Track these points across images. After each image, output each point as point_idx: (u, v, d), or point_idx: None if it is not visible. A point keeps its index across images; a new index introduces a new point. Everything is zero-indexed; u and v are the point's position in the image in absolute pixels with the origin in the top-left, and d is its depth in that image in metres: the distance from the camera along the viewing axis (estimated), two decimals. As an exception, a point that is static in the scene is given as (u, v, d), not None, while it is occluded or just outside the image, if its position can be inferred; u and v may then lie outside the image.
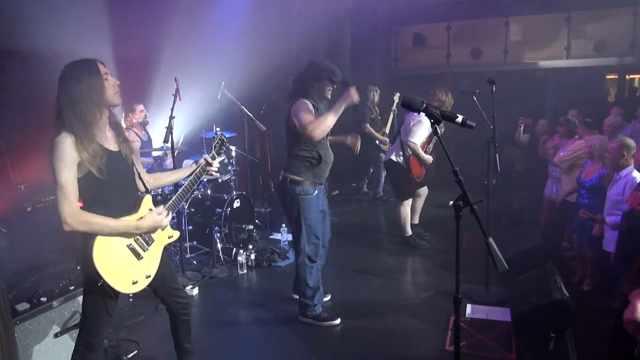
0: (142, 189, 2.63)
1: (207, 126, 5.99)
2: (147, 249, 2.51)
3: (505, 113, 8.26)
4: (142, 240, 2.49)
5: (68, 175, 2.17)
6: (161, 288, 2.73)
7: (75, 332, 2.93)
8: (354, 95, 3.33)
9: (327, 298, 4.20)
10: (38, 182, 6.26)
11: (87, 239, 2.28)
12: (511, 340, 3.45)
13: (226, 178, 5.66)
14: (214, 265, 4.97)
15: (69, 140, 2.17)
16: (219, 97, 5.72)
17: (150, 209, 2.55)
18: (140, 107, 5.66)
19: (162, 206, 2.55)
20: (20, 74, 5.94)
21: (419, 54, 9.12)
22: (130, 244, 2.43)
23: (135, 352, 3.45)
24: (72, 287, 3.39)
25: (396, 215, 5.50)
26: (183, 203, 5.18)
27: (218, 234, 5.10)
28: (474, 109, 4.22)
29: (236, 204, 5.30)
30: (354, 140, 4.12)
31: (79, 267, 2.35)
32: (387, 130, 7.42)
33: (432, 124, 1.92)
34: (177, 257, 4.86)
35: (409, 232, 5.47)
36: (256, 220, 5.73)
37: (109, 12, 5.30)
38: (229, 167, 5.67)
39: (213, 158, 2.86)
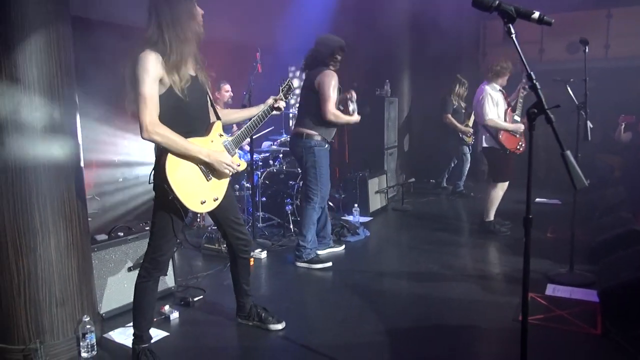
0: (214, 117, 2.71)
1: (287, 104, 6.09)
2: (215, 173, 2.57)
3: (602, 113, 7.68)
4: (211, 168, 2.54)
5: (152, 87, 2.27)
6: (224, 219, 2.78)
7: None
8: (356, 120, 4.27)
9: (341, 248, 4.69)
10: (129, 158, 6.76)
11: (161, 153, 2.37)
12: (596, 318, 3.10)
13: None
14: (284, 234, 5.02)
15: (154, 56, 2.27)
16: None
17: (220, 135, 2.63)
18: (227, 86, 5.91)
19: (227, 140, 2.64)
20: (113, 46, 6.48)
21: (509, 49, 8.68)
22: (201, 164, 2.49)
23: (201, 297, 3.54)
24: (147, 228, 3.57)
25: (484, 197, 5.23)
26: (258, 174, 5.33)
27: (290, 206, 5.15)
28: (568, 99, 3.91)
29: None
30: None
31: (150, 182, 2.42)
32: (471, 123, 7.16)
33: (506, 24, 1.79)
34: (249, 225, 4.96)
35: (491, 217, 5.15)
36: (330, 203, 5.72)
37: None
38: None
39: (280, 98, 2.90)
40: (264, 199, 5.36)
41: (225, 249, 4.45)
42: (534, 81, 1.78)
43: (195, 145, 2.42)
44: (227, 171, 2.55)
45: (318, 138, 4.13)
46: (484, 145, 5.05)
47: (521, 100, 5.00)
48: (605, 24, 8.12)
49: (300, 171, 5.32)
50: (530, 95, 1.97)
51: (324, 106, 4.02)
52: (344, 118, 4.16)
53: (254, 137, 5.01)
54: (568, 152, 1.78)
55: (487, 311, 3.28)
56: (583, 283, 3.65)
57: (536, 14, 1.76)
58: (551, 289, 3.60)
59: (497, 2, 1.80)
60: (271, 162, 5.64)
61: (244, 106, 4.49)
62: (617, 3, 8.02)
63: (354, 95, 4.29)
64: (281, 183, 5.34)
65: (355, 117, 4.26)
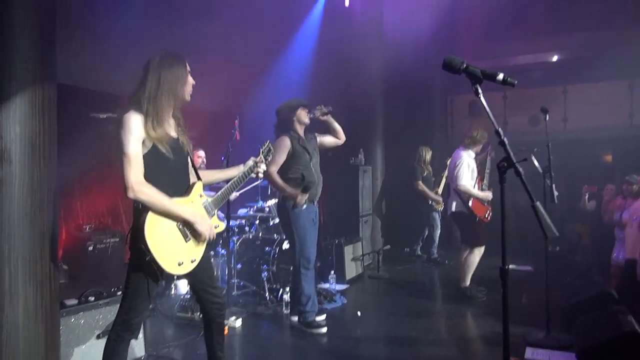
0: (194, 177, 2.74)
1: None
2: (194, 233, 2.55)
3: (567, 185, 8.03)
4: (191, 227, 2.53)
5: (135, 147, 2.31)
6: (199, 282, 2.71)
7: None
8: (300, 201, 4.11)
9: (322, 317, 4.42)
10: (101, 225, 6.65)
11: (139, 213, 2.36)
12: (577, 380, 3.09)
13: (277, 221, 5.73)
14: (259, 302, 4.91)
15: (138, 117, 2.33)
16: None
17: (200, 195, 2.64)
18: (200, 152, 5.97)
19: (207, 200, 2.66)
20: (99, 118, 6.55)
21: (475, 121, 9.14)
22: (180, 224, 2.48)
23: (173, 366, 3.38)
24: (119, 293, 3.46)
25: (460, 263, 5.25)
26: (234, 241, 5.29)
27: (265, 273, 5.07)
28: (532, 169, 4.19)
29: (285, 245, 5.30)
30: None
31: (127, 244, 2.40)
32: (440, 190, 7.37)
33: (473, 85, 1.93)
34: (224, 292, 4.84)
35: (468, 282, 5.17)
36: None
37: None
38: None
39: (259, 160, 2.96)
40: (239, 265, 5.27)
41: (199, 316, 4.34)
42: (502, 137, 1.90)
43: (180, 205, 2.43)
44: (207, 234, 2.54)
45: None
46: (453, 209, 5.18)
47: (488, 170, 5.21)
48: (562, 99, 8.71)
49: (277, 237, 5.34)
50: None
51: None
52: (279, 183, 4.15)
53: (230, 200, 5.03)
54: (538, 204, 1.87)
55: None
56: (561, 346, 3.65)
57: (500, 76, 1.91)
58: (530, 353, 3.59)
59: (464, 65, 1.95)
60: (247, 228, 5.62)
61: None
62: (572, 80, 8.66)
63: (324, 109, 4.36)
64: (257, 249, 5.29)
65: (289, 190, 4.15)
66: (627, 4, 8.24)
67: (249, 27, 6.63)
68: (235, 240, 5.35)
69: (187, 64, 2.53)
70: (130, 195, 2.27)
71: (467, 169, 5.05)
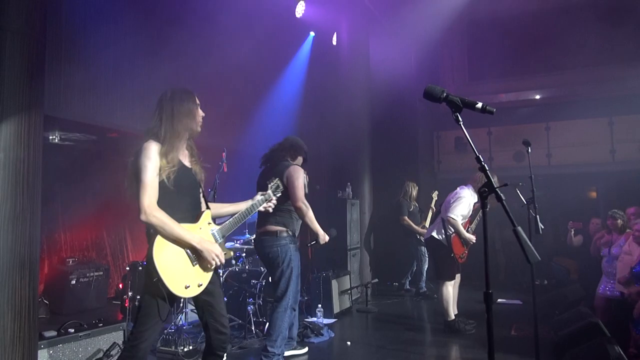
0: (204, 207, 2.76)
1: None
2: (201, 259, 2.56)
3: (553, 220, 8.12)
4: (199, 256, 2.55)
5: (152, 174, 2.43)
6: (207, 307, 2.67)
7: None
8: (324, 239, 4.06)
9: (304, 350, 4.46)
10: (85, 258, 6.54)
11: (151, 237, 2.43)
12: (567, 412, 3.04)
13: (265, 253, 5.70)
14: (244, 336, 4.81)
15: (157, 147, 2.48)
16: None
17: (209, 223, 2.68)
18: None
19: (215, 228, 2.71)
20: (86, 148, 6.54)
21: (461, 157, 9.30)
22: (188, 249, 2.51)
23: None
24: (100, 325, 3.39)
25: (438, 298, 5.23)
26: (220, 274, 5.23)
27: (251, 306, 5.00)
28: (517, 199, 4.26)
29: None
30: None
31: (140, 267, 2.42)
32: (427, 224, 7.40)
33: (453, 113, 1.98)
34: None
35: (452, 315, 5.13)
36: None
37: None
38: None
39: (268, 197, 3.00)
40: (225, 299, 5.18)
41: (183, 351, 4.25)
42: (482, 163, 1.94)
43: (188, 231, 2.48)
44: (213, 262, 2.55)
45: (290, 234, 4.03)
46: (433, 235, 5.19)
47: (479, 219, 5.26)
48: (545, 135, 8.91)
49: (264, 270, 5.27)
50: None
51: (294, 194, 3.89)
52: (310, 220, 3.97)
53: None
54: (519, 229, 1.89)
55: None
56: (550, 378, 3.61)
57: (479, 104, 1.96)
58: (519, 385, 3.54)
59: (445, 94, 2.01)
60: (233, 261, 5.56)
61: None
62: (554, 117, 8.90)
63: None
64: (243, 282, 5.22)
65: (324, 234, 4.07)
66: (606, 45, 8.58)
67: (238, 64, 6.76)
68: (221, 273, 5.28)
69: (196, 98, 2.71)
70: (143, 218, 2.38)
71: (466, 206, 5.05)
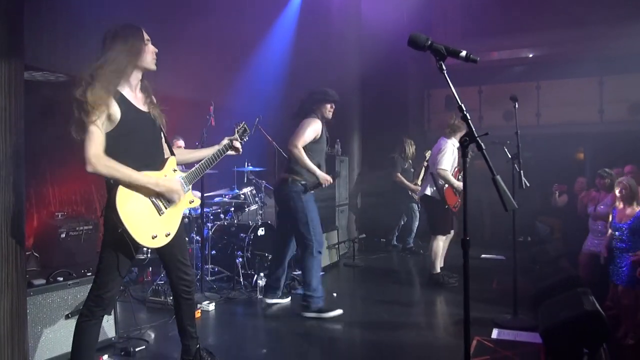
0: (168, 153, 2.74)
1: (239, 161, 6.16)
2: (168, 207, 2.56)
3: (540, 180, 8.20)
4: (164, 199, 2.54)
5: (95, 121, 2.27)
6: (170, 256, 2.72)
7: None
8: (325, 182, 4.07)
9: (287, 300, 4.60)
10: (74, 213, 6.55)
11: (111, 187, 2.36)
12: (540, 357, 3.18)
13: (254, 208, 5.75)
14: (233, 287, 4.91)
15: (100, 90, 2.28)
16: (252, 132, 5.94)
17: (174, 170, 2.65)
18: (180, 142, 5.92)
19: (181, 175, 2.66)
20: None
21: (450, 114, 9.25)
22: (153, 197, 2.48)
23: (144, 347, 3.38)
24: (89, 274, 3.43)
25: (428, 250, 5.36)
26: (209, 227, 5.28)
27: (240, 259, 5.08)
28: (504, 158, 4.27)
29: (261, 231, 5.34)
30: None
31: (101, 215, 2.40)
32: (420, 181, 7.45)
33: (438, 61, 1.97)
34: (198, 277, 4.83)
35: (438, 269, 5.25)
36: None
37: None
38: (256, 198, 5.77)
39: (235, 139, 2.98)
40: (213, 252, 5.27)
41: (172, 300, 4.34)
42: (465, 112, 1.95)
43: (144, 175, 2.41)
44: (176, 198, 2.54)
45: (304, 182, 4.09)
46: (426, 193, 5.26)
47: (467, 165, 5.29)
48: (536, 95, 8.89)
49: (252, 224, 5.34)
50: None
51: (290, 138, 4.01)
52: (306, 163, 3.99)
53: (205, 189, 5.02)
54: (498, 177, 1.92)
55: (440, 354, 3.32)
56: (526, 327, 3.76)
57: (464, 52, 1.95)
58: (497, 333, 3.69)
59: (429, 42, 2.00)
60: (222, 216, 5.61)
61: None
62: (545, 76, 8.85)
63: None
64: (232, 235, 5.29)
65: (323, 175, 4.08)
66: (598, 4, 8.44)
67: (226, 18, 6.61)
68: (210, 227, 5.34)
69: (144, 33, 2.50)
70: (89, 169, 2.26)
71: (450, 156, 5.10)
